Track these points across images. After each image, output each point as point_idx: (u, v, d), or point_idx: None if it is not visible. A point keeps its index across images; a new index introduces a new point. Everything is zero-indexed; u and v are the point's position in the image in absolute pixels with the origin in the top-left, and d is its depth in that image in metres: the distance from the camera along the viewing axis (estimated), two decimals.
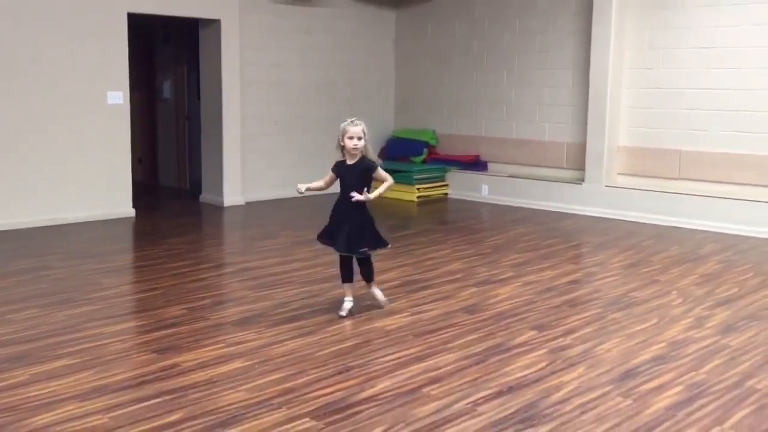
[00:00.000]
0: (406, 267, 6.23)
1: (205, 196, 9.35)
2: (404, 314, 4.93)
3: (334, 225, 4.62)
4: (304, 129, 9.96)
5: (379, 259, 6.47)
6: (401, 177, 9.81)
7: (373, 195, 4.58)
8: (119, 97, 8.03)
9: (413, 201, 9.69)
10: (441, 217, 8.97)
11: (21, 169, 7.46)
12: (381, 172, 4.56)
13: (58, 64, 7.61)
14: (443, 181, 10.09)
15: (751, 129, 7.91)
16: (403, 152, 10.48)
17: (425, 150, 10.37)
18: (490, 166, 10.00)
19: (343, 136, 4.53)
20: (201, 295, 5.32)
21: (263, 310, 4.98)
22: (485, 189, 9.72)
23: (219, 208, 8.99)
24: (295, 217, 8.59)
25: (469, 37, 10.08)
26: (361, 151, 4.46)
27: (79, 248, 6.76)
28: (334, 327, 4.63)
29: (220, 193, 9.09)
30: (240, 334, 4.49)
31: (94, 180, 7.95)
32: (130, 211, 8.22)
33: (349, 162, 4.58)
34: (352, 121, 4.50)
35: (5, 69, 7.31)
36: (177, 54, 10.36)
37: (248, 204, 9.20)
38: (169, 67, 10.39)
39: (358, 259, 4.74)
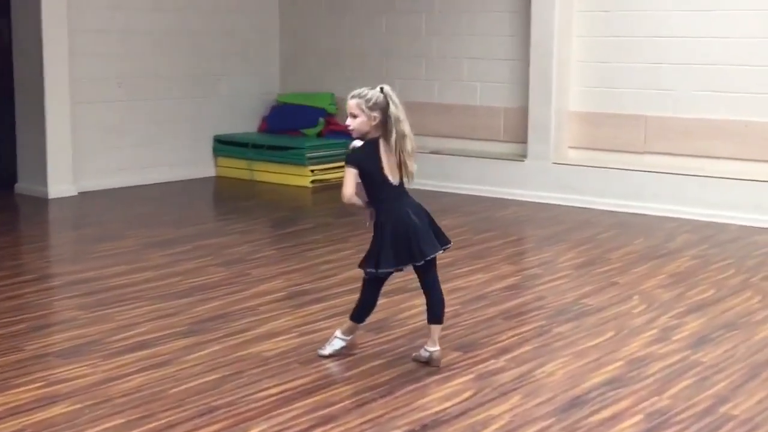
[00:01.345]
0: (294, 274, 6.25)
1: (23, 186, 9.16)
2: (289, 335, 4.96)
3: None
4: (156, 93, 9.87)
5: (259, 263, 6.49)
6: (289, 156, 9.83)
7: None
8: None
9: (306, 186, 9.72)
10: (342, 208, 8.93)
11: None
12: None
13: None
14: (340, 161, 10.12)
15: (730, 87, 8.24)
16: (292, 123, 10.49)
17: (321, 120, 10.41)
18: None
19: None
20: (15, 318, 5.22)
21: (100, 335, 4.93)
22: None
23: (42, 201, 8.80)
24: (146, 212, 8.50)
25: None
26: (371, 129, 4.38)
27: None
28: (195, 356, 4.62)
29: (44, 181, 8.93)
30: (67, 368, 4.43)
31: None
32: None
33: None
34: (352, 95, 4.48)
35: None
36: None
37: (82, 195, 9.03)
38: None
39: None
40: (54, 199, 8.85)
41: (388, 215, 4.49)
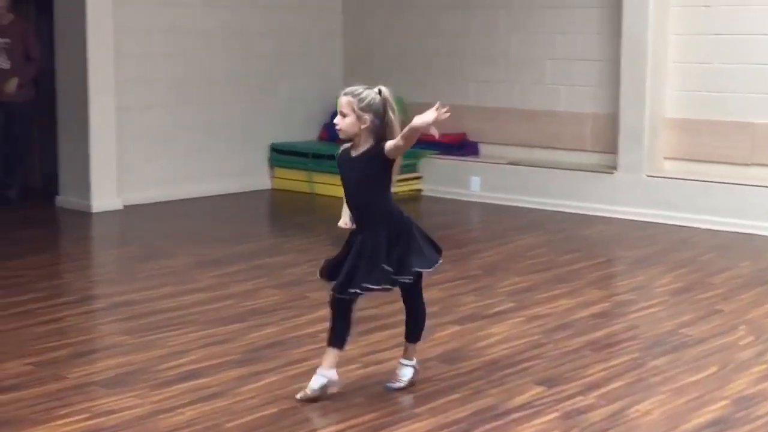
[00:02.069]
0: (360, 298, 6.23)
1: (65, 198, 9.31)
2: (353, 366, 4.95)
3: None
4: (208, 98, 9.98)
5: (318, 286, 6.49)
6: None
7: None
8: None
9: None
10: None
11: None
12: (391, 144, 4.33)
13: None
14: (414, 171, 10.16)
15: None
16: None
17: None
18: (482, 149, 10.10)
19: None
20: (55, 343, 5.28)
21: (147, 363, 4.97)
22: (475, 183, 9.81)
23: (85, 215, 8.95)
24: (196, 227, 8.60)
25: None
26: (361, 132, 4.40)
27: None
28: (250, 387, 4.64)
29: (87, 194, 9.07)
30: (113, 398, 4.47)
31: None
32: None
33: (354, 152, 4.49)
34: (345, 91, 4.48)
35: None
36: None
37: (128, 209, 9.16)
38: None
39: None
40: (97, 213, 9.00)
41: None
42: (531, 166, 9.57)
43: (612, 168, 9.10)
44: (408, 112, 10.37)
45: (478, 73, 10.07)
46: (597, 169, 9.21)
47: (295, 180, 10.29)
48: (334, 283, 4.56)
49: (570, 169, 9.34)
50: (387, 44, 10.68)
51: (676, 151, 8.95)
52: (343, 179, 4.59)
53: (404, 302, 4.74)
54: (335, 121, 4.46)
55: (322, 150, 10.24)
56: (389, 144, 4.32)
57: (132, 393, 4.56)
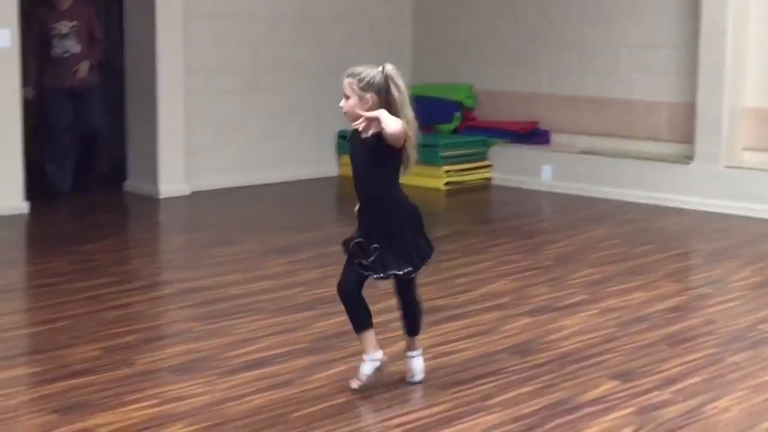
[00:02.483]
0: (429, 287, 6.20)
1: (133, 184, 9.42)
2: (424, 356, 4.94)
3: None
4: (276, 84, 10.02)
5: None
6: (422, 154, 9.64)
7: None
8: (5, 37, 8.10)
9: (439, 189, 9.72)
10: (480, 214, 9.00)
11: None
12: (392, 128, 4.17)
13: None
14: (484, 159, 10.13)
15: None
16: (426, 118, 10.21)
17: (457, 114, 10.40)
18: (553, 137, 10.03)
19: None
20: (124, 329, 5.35)
21: (216, 350, 5.01)
22: (547, 172, 9.74)
23: (152, 201, 9.05)
24: (264, 214, 8.66)
25: None
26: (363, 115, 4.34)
27: None
28: (319, 376, 4.65)
29: (154, 180, 9.17)
30: (181, 385, 4.51)
31: None
32: (21, 206, 8.31)
33: (363, 134, 4.38)
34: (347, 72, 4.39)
35: None
36: None
37: (195, 194, 9.25)
38: None
39: None
40: (165, 198, 9.10)
41: None
42: (604, 155, 9.48)
43: (688, 158, 8.97)
44: (478, 99, 10.44)
45: (551, 60, 9.99)
46: (673, 159, 9.10)
47: None
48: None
49: (644, 159, 9.23)
50: (457, 30, 10.63)
51: (756, 142, 8.81)
52: (351, 163, 4.51)
53: (398, 296, 4.65)
54: (340, 104, 4.37)
55: None
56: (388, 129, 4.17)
57: (200, 380, 4.60)
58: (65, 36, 8.78)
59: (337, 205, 9.77)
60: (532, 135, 10.05)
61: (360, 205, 4.52)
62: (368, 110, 4.27)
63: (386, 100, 4.30)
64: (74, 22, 8.78)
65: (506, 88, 10.32)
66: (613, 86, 9.61)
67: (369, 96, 4.29)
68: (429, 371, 4.74)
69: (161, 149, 9.15)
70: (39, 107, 9.13)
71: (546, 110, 10.05)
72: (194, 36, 9.32)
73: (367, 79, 4.30)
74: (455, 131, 10.39)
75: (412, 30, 10.99)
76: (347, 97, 4.32)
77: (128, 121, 9.46)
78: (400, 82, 4.33)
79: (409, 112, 4.34)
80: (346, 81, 4.33)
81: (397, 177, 4.48)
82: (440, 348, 5.10)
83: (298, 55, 10.13)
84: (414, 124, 4.36)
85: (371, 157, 4.36)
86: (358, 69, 4.36)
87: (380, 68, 4.33)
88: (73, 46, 8.79)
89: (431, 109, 10.49)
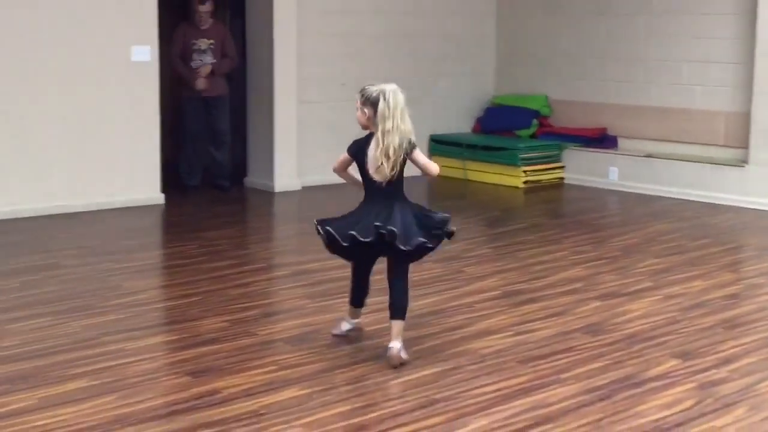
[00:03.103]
0: (509, 273, 6.24)
1: (252, 179, 9.54)
2: (506, 334, 4.95)
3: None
4: None
5: (473, 261, 6.50)
6: (503, 156, 9.81)
7: None
8: (146, 52, 8.25)
9: (518, 187, 9.68)
10: (554, 209, 8.92)
11: (23, 144, 7.73)
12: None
13: (67, 13, 7.85)
14: (558, 161, 10.04)
15: None
16: (506, 124, 10.45)
17: (534, 121, 10.33)
18: (620, 142, 9.89)
19: None
20: (246, 304, 5.45)
21: (324, 324, 5.07)
22: (614, 173, 9.62)
23: (269, 194, 9.16)
24: None
25: None
26: (369, 125, 4.52)
27: (95, 243, 6.99)
28: (415, 349, 4.67)
29: (270, 176, 9.27)
30: (295, 354, 4.58)
31: (113, 157, 8.17)
32: (158, 197, 8.46)
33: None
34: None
35: None
36: None
37: (305, 189, 9.33)
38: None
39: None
40: (279, 192, 9.20)
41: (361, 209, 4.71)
42: (665, 158, 9.31)
43: (743, 162, 8.77)
44: (553, 107, 10.34)
45: (619, 73, 9.85)
46: (729, 163, 8.90)
47: (451, 167, 10.24)
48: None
49: (702, 162, 9.05)
50: (535, 46, 10.54)
51: None
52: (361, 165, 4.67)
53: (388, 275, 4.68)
54: (358, 116, 4.54)
55: (475, 141, 10.23)
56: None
57: (312, 350, 4.65)
58: (203, 51, 8.92)
59: (429, 199, 9.73)
60: (601, 140, 9.92)
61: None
62: (366, 121, 4.50)
63: (374, 112, 4.42)
64: (212, 41, 8.93)
65: (578, 98, 10.20)
66: (675, 97, 9.43)
67: (366, 110, 4.49)
68: (510, 347, 4.75)
69: (277, 149, 9.23)
70: (174, 112, 9.31)
71: (613, 118, 9.90)
72: (306, 52, 9.38)
73: (366, 95, 4.49)
74: (533, 136, 10.31)
75: (495, 48, 10.91)
76: (357, 110, 4.53)
77: (249, 126, 9.56)
78: (392, 99, 4.43)
79: (387, 124, 4.43)
80: (357, 96, 4.54)
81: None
82: (520, 327, 5.08)
83: (396, 68, 10.11)
84: (387, 135, 4.45)
85: None
86: (367, 87, 4.53)
87: (382, 86, 4.46)
88: (209, 61, 8.93)
89: (512, 117, 10.47)
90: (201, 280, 5.94)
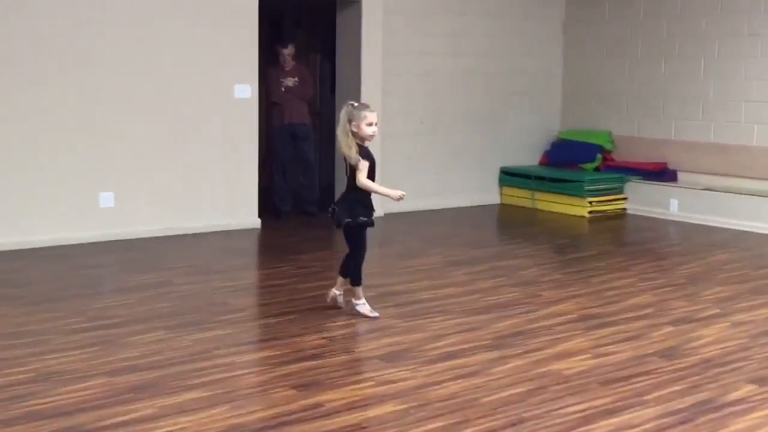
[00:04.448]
0: (582, 297, 6.10)
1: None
2: (585, 356, 4.82)
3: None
4: (452, 128, 10.00)
5: (548, 286, 6.38)
6: (569, 188, 9.66)
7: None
8: (247, 90, 8.32)
9: (583, 216, 9.52)
10: (619, 238, 8.75)
11: (135, 171, 7.83)
12: None
13: (179, 52, 7.95)
14: (621, 193, 9.87)
15: None
16: (572, 157, 10.31)
17: (599, 155, 10.18)
18: (680, 176, 9.68)
19: (360, 121, 5.10)
20: (341, 323, 5.39)
21: (414, 343, 4.99)
22: (674, 204, 9.42)
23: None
24: (444, 233, 8.61)
25: (656, 17, 9.80)
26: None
27: (201, 262, 7.03)
28: (501, 368, 4.57)
29: None
30: (391, 371, 4.52)
31: (215, 185, 8.24)
32: (256, 221, 8.48)
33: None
34: (366, 106, 5.19)
35: (114, 56, 7.64)
36: (309, 40, 10.62)
37: (386, 216, 9.28)
38: (299, 56, 10.63)
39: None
40: None
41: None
42: (724, 191, 9.08)
43: None
44: (616, 143, 10.17)
45: (680, 111, 9.65)
46: None
47: (520, 197, 10.18)
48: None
49: (759, 195, 8.80)
50: (600, 84, 10.40)
51: None
52: (374, 167, 5.29)
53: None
54: (374, 131, 5.16)
55: (543, 173, 10.09)
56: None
57: (405, 368, 4.57)
58: (291, 88, 8.99)
59: (501, 226, 9.65)
60: (662, 174, 9.73)
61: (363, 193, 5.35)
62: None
63: None
64: (296, 78, 9.00)
65: (640, 134, 10.03)
66: (734, 134, 9.20)
67: None
68: (591, 368, 4.61)
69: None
70: (267, 142, 9.38)
71: (674, 153, 9.71)
72: (390, 90, 9.37)
73: None
74: (597, 169, 10.14)
75: (562, 86, 10.80)
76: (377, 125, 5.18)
77: (337, 159, 9.55)
78: (341, 119, 5.17)
79: (337, 129, 5.21)
80: (376, 113, 5.18)
81: None
82: (598, 349, 4.94)
83: (470, 104, 10.09)
84: (339, 142, 5.22)
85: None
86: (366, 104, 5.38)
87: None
88: (295, 91, 9.03)
89: (577, 151, 10.32)
90: (298, 300, 5.91)
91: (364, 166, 5.18)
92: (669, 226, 9.14)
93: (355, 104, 5.22)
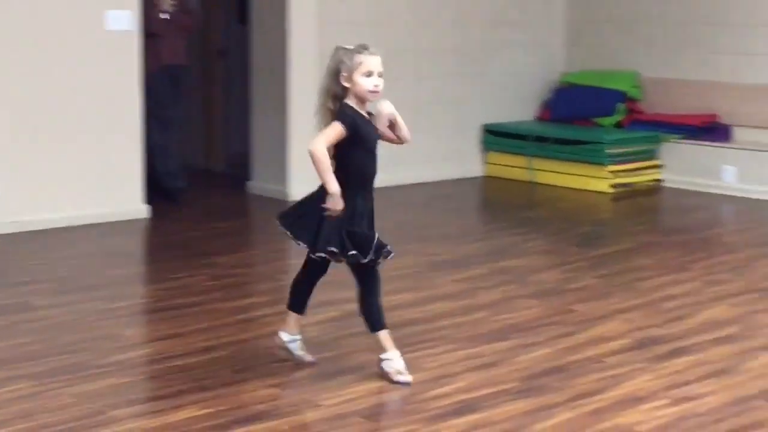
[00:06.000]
0: (633, 312, 5.95)
1: (258, 185, 9.38)
2: (661, 402, 4.58)
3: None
4: (415, 72, 9.89)
5: (580, 296, 6.23)
6: (583, 152, 9.66)
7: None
8: (125, 19, 8.14)
9: (604, 192, 9.46)
10: (662, 222, 8.79)
11: None
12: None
13: None
14: (654, 158, 9.87)
15: None
16: (583, 109, 10.29)
17: (621, 106, 10.16)
18: (736, 133, 9.68)
19: (353, 70, 4.67)
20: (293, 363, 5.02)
21: (410, 389, 4.70)
22: (729, 173, 9.42)
23: (281, 204, 8.76)
24: (414, 221, 8.49)
25: None
26: None
27: (71, 273, 6.77)
28: (543, 426, 4.29)
29: (282, 180, 9.08)
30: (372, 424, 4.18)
31: (82, 158, 8.03)
32: (141, 209, 8.36)
33: (365, 114, 4.82)
34: (364, 48, 4.70)
35: None
36: None
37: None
38: None
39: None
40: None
41: None
42: None
43: None
44: (644, 88, 10.04)
45: (734, 44, 9.70)
46: None
47: (512, 166, 10.11)
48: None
49: None
50: (618, 8, 10.46)
51: None
52: (367, 142, 4.80)
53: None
54: (376, 84, 4.65)
55: (544, 131, 10.08)
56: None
57: (401, 429, 4.26)
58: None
59: (491, 209, 9.50)
60: (710, 130, 9.76)
61: (357, 192, 4.90)
62: None
63: None
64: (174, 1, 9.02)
65: (678, 76, 10.07)
66: None
67: None
68: (674, 422, 4.38)
69: (292, 146, 9.03)
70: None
71: (727, 102, 9.77)
72: (328, 17, 9.18)
73: None
74: (618, 125, 10.15)
75: (564, 9, 10.80)
76: (381, 76, 4.68)
77: (253, 116, 9.39)
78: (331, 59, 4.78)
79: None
80: (379, 59, 4.67)
81: None
82: (677, 391, 4.71)
83: (438, 39, 10.04)
84: None
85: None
86: (372, 47, 4.72)
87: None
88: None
89: (589, 100, 10.37)
90: (224, 326, 5.60)
91: (332, 129, 4.74)
92: (723, 203, 9.16)
93: (347, 47, 4.77)
